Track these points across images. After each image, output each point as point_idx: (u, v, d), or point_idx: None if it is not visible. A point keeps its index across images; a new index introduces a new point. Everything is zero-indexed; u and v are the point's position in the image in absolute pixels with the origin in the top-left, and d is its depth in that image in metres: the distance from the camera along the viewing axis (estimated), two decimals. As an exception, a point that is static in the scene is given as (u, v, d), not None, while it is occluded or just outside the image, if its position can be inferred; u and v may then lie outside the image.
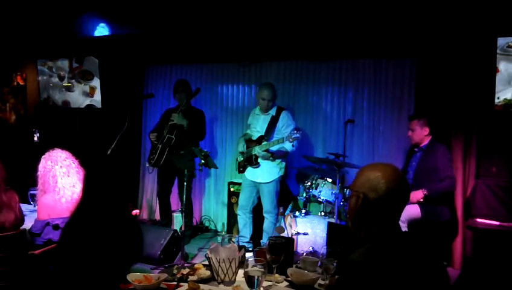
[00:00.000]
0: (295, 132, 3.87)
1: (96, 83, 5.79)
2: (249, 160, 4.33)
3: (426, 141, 3.97)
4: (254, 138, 4.35)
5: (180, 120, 4.56)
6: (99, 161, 2.08)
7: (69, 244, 1.91)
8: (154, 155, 4.68)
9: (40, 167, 2.80)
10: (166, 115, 4.89)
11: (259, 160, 4.25)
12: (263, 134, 4.25)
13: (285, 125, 4.23)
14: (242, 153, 4.44)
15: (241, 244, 4.39)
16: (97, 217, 1.91)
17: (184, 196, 4.25)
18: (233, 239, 4.75)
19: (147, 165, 4.87)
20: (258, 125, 4.37)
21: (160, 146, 4.65)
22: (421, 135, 3.98)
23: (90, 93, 5.87)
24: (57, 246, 2.01)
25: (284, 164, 4.35)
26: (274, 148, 4.16)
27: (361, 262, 1.37)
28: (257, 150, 4.15)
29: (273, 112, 4.33)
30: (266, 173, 4.27)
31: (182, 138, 4.61)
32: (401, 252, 1.42)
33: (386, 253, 1.39)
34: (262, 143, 4.18)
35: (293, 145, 4.11)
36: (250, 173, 4.36)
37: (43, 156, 2.82)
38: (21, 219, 2.64)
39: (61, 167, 2.76)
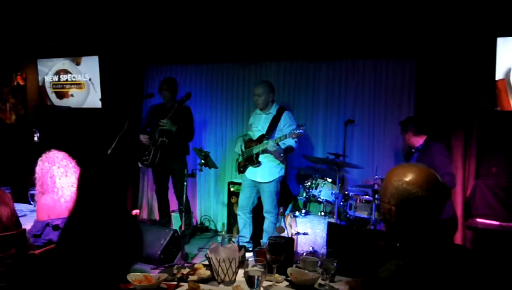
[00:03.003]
0: (298, 127, 3.87)
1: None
2: (249, 159, 4.33)
3: (421, 141, 3.93)
4: (255, 137, 4.34)
5: (170, 126, 4.58)
6: (93, 159, 2.07)
7: (68, 244, 1.91)
8: (148, 157, 4.68)
9: (38, 169, 2.80)
10: (150, 112, 4.89)
11: (260, 159, 4.25)
12: (264, 133, 4.25)
13: (287, 125, 4.23)
14: (240, 154, 4.44)
15: (241, 244, 4.39)
16: (93, 216, 1.91)
17: (184, 196, 4.26)
18: (233, 239, 4.75)
19: (140, 165, 4.87)
20: (259, 124, 4.37)
21: (153, 148, 4.67)
22: (405, 139, 4.01)
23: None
24: (56, 246, 2.01)
25: (283, 165, 4.34)
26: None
27: (388, 280, 1.24)
28: (270, 144, 4.11)
29: (273, 111, 4.33)
30: (267, 172, 4.27)
31: (174, 140, 4.64)
32: (444, 270, 1.26)
33: (421, 270, 1.25)
34: (264, 141, 4.17)
35: (296, 142, 4.12)
36: (251, 173, 4.36)
37: (39, 158, 2.82)
38: (16, 216, 2.63)
39: (58, 167, 2.77)
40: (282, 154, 4.19)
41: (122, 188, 2.05)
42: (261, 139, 4.24)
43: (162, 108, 4.77)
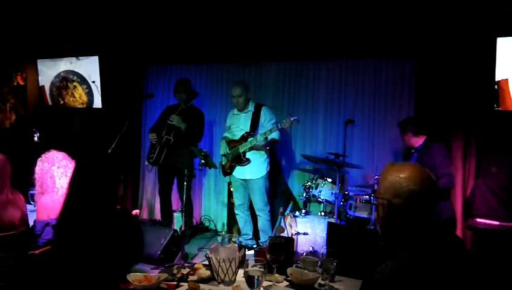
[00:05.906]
0: (290, 116, 3.88)
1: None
2: (237, 159, 4.31)
3: (420, 142, 3.92)
4: (237, 137, 4.34)
5: (179, 123, 4.58)
6: (87, 159, 2.06)
7: (62, 244, 1.90)
8: (153, 155, 4.71)
9: (37, 169, 2.80)
10: (165, 112, 4.89)
11: (249, 155, 4.25)
12: (248, 131, 4.26)
13: (267, 119, 4.26)
14: (225, 155, 4.43)
15: (245, 242, 4.40)
16: (83, 214, 1.90)
17: (184, 196, 4.26)
18: (233, 239, 4.75)
19: (146, 163, 4.90)
20: (240, 124, 4.38)
21: (158, 146, 4.67)
22: (405, 140, 4.01)
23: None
24: (52, 246, 2.01)
25: (268, 159, 4.35)
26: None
27: (383, 281, 1.24)
28: (259, 139, 4.13)
29: (251, 108, 4.34)
30: (255, 169, 4.27)
31: (180, 139, 4.63)
32: (438, 270, 1.26)
33: (415, 271, 1.25)
34: (249, 139, 4.17)
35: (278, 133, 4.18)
36: (239, 172, 4.35)
37: (39, 159, 2.83)
38: (26, 220, 2.65)
39: (58, 167, 2.77)
40: (268, 147, 4.22)
41: (113, 186, 2.02)
42: (246, 137, 4.23)
43: (175, 108, 4.78)
